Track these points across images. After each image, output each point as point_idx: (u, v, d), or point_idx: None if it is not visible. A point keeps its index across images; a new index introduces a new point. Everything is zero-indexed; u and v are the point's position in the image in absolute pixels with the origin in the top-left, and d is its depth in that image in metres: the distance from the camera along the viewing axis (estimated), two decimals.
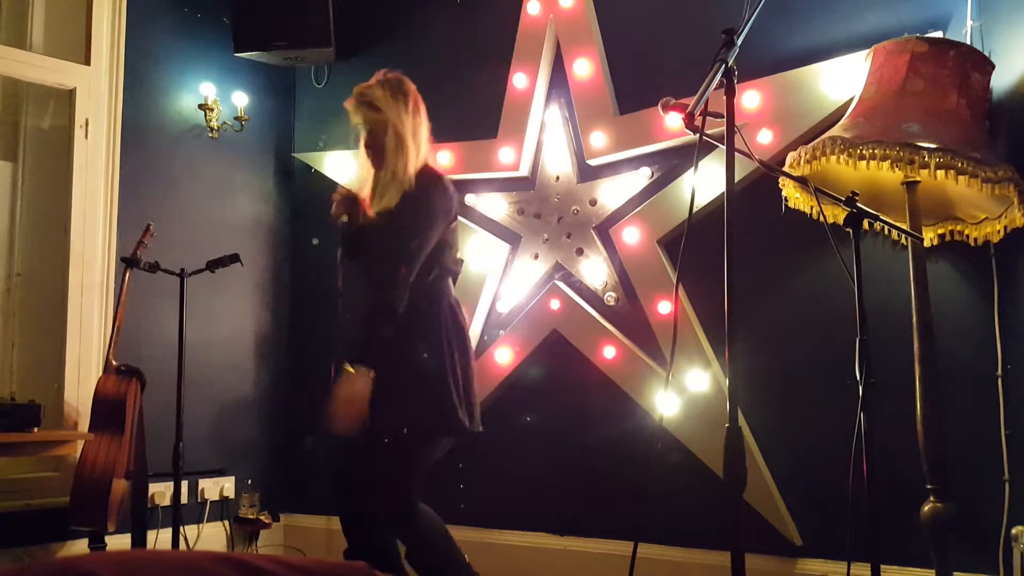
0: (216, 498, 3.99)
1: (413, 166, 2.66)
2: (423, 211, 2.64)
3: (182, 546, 3.56)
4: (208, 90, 4.03)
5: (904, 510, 2.67)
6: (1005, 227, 2.71)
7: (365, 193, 2.75)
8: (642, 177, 3.51)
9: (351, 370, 2.51)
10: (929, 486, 2.59)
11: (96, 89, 3.68)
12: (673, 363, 3.19)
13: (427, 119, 2.77)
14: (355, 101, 2.70)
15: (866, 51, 2.87)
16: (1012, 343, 2.80)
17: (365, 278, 2.73)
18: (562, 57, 3.69)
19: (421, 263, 2.62)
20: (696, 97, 1.98)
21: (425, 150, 2.73)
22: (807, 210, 2.93)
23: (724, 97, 2.04)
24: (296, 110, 4.49)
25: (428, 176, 2.69)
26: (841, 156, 2.61)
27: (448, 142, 3.88)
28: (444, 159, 3.88)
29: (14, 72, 3.57)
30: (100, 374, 3.37)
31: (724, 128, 2.03)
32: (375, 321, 2.56)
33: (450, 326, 2.68)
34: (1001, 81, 2.78)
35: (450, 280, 2.76)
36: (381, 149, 2.67)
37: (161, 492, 3.70)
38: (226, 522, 4.00)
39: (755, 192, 3.11)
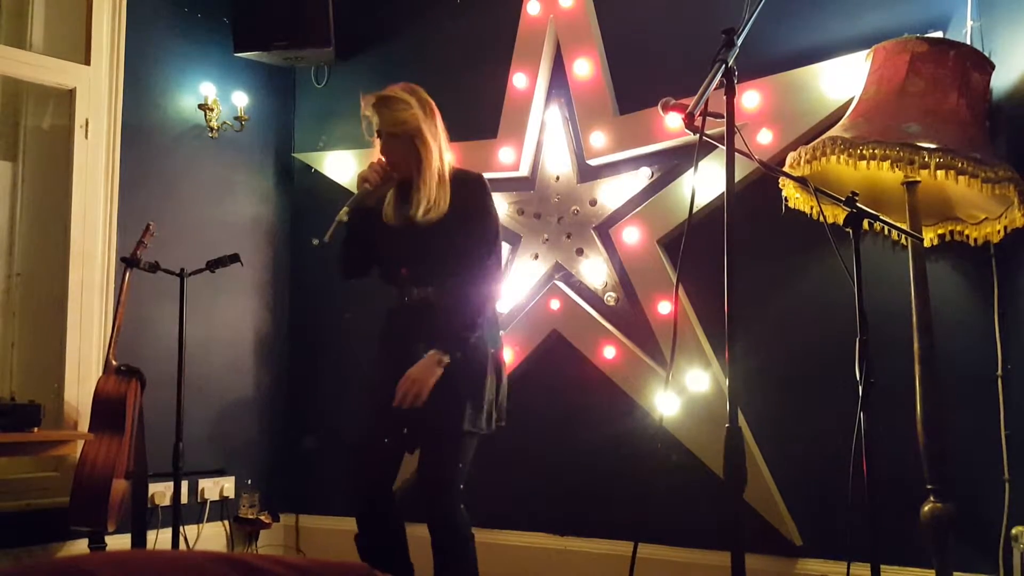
0: (216, 498, 3.99)
1: (446, 169, 2.65)
2: (487, 213, 2.67)
3: (182, 546, 3.56)
4: (208, 90, 4.03)
5: (904, 510, 2.67)
6: (1005, 227, 2.71)
7: (385, 197, 2.71)
8: (642, 177, 3.52)
9: (444, 358, 2.53)
10: (929, 486, 2.59)
11: (96, 89, 3.68)
12: (673, 363, 3.19)
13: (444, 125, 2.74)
14: (377, 103, 2.63)
15: (866, 51, 2.87)
16: (1012, 343, 2.80)
17: (417, 280, 2.68)
18: (562, 57, 3.69)
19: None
20: (696, 97, 1.98)
21: (449, 154, 2.71)
22: (807, 210, 2.93)
23: (724, 97, 2.04)
24: (296, 110, 4.49)
25: (472, 178, 2.70)
26: (841, 156, 2.61)
27: (448, 142, 3.88)
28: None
29: (14, 72, 3.57)
30: (100, 374, 3.37)
31: (724, 128, 2.03)
32: (476, 315, 2.60)
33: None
34: (1001, 81, 2.78)
35: None
36: (404, 155, 2.63)
37: (161, 492, 3.70)
38: (226, 522, 4.00)
39: (755, 192, 3.11)
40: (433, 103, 2.70)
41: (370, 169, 2.65)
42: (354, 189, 2.81)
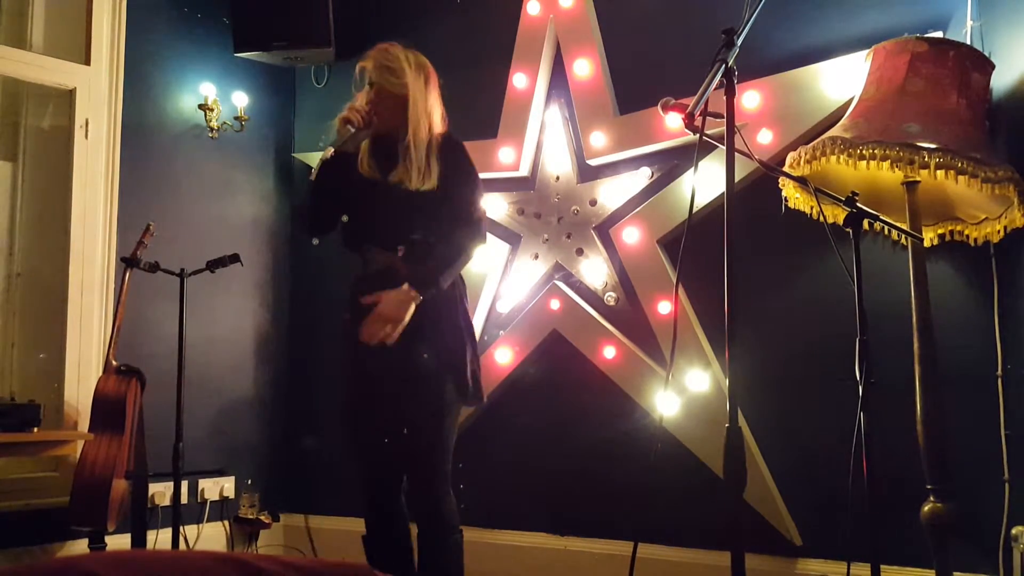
0: (216, 498, 3.99)
1: (435, 136, 2.65)
2: (470, 175, 2.69)
3: (182, 546, 3.56)
4: (208, 90, 4.03)
5: (904, 510, 2.67)
6: (1005, 227, 2.71)
7: (360, 147, 2.70)
8: (642, 177, 3.52)
9: (416, 295, 2.47)
10: (929, 486, 2.59)
11: (96, 89, 3.68)
12: (673, 363, 3.19)
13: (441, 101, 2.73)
14: (376, 60, 2.63)
15: (866, 51, 2.87)
16: (1012, 343, 2.80)
17: (384, 240, 2.64)
18: (562, 57, 3.69)
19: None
20: (696, 97, 1.98)
21: (439, 121, 2.70)
22: (807, 210, 2.93)
23: (724, 97, 2.04)
24: (296, 110, 4.49)
25: (455, 142, 2.70)
26: (841, 156, 2.61)
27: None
28: None
29: (14, 72, 3.57)
30: (100, 374, 3.37)
31: (724, 128, 2.03)
32: (453, 263, 2.60)
33: (465, 297, 2.73)
34: (1001, 81, 2.78)
35: None
36: (391, 116, 2.61)
37: (161, 492, 3.70)
38: (226, 522, 4.00)
39: (755, 192, 3.11)
40: (431, 69, 2.70)
41: (353, 111, 2.62)
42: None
